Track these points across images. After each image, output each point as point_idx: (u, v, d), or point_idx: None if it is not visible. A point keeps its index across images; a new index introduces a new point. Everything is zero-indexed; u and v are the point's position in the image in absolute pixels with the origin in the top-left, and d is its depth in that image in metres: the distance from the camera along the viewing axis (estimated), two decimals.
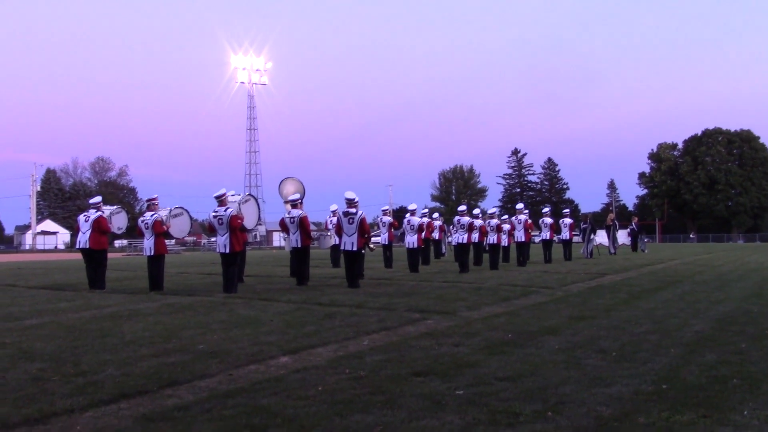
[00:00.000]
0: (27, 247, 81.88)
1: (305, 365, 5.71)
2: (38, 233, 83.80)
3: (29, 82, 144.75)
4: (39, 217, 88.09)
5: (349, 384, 4.99)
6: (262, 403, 4.50)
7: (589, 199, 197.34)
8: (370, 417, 4.14)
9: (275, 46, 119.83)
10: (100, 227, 13.62)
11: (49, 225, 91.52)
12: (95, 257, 13.76)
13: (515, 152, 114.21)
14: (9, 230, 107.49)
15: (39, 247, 79.55)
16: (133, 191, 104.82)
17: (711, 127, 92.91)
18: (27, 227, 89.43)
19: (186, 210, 14.55)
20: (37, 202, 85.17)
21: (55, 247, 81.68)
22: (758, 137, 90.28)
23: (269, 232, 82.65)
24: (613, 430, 3.84)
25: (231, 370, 5.56)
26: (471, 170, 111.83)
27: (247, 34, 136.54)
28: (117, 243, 69.41)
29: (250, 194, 14.80)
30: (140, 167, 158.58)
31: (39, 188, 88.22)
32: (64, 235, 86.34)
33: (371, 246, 14.47)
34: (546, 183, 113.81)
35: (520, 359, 5.80)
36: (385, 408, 4.33)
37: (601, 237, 33.28)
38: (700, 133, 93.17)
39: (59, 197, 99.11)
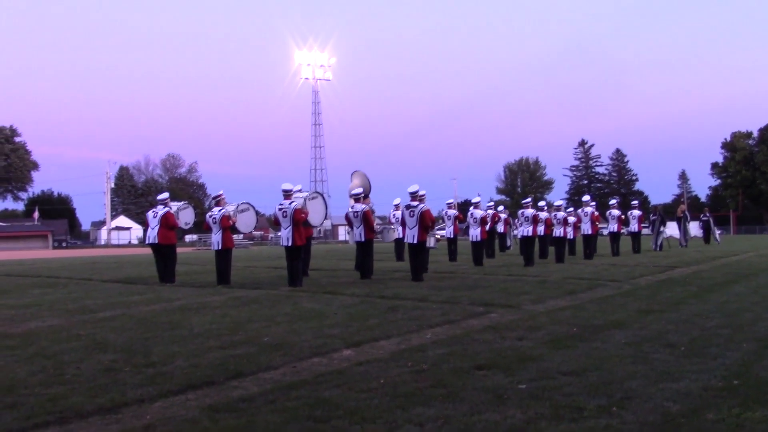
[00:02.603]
0: (102, 243, 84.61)
1: (368, 358, 5.75)
2: (113, 229, 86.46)
3: (103, 84, 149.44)
4: (113, 213, 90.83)
5: (411, 377, 5.00)
6: (324, 395, 4.55)
7: (660, 190, 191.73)
8: (431, 410, 4.14)
9: (338, 42, 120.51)
10: (167, 223, 13.96)
11: (122, 221, 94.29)
12: (164, 252, 14.14)
13: (582, 143, 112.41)
14: (85, 226, 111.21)
15: (113, 242, 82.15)
16: (202, 187, 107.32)
17: None
18: (102, 223, 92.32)
19: (252, 205, 14.78)
20: (111, 198, 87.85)
21: (129, 242, 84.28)
22: None
23: (335, 227, 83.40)
24: (680, 426, 3.74)
25: (295, 362, 5.64)
26: (537, 162, 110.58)
27: (311, 30, 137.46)
28: (187, 238, 71.16)
29: (318, 192, 14.86)
30: (209, 163, 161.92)
31: (113, 185, 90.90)
32: (137, 231, 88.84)
33: (436, 236, 14.46)
34: (614, 174, 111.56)
35: (585, 353, 5.71)
36: (446, 401, 4.33)
37: (671, 229, 32.40)
38: None
39: (132, 194, 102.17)
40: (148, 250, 15.99)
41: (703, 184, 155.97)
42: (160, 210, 14.06)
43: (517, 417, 3.97)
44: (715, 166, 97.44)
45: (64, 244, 78.84)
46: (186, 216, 15.55)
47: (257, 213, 15.27)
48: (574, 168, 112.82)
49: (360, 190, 14.38)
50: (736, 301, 9.04)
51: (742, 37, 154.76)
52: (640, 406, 4.13)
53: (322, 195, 14.75)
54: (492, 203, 26.20)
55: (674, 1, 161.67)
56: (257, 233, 75.10)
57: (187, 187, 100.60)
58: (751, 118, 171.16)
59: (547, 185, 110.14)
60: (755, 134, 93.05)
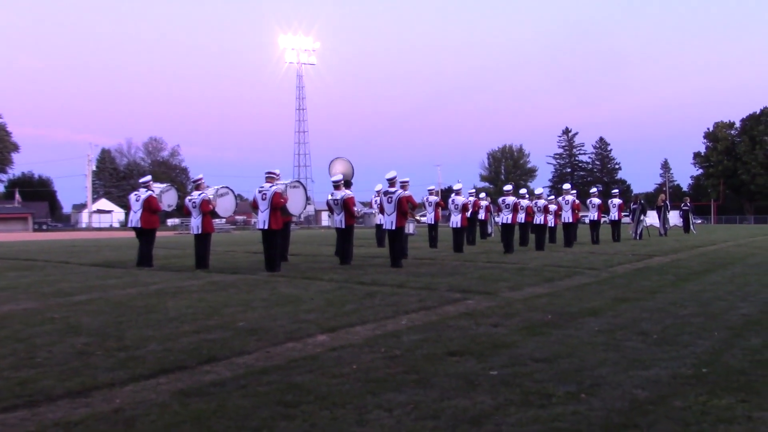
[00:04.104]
0: (83, 226, 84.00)
1: (342, 344, 5.74)
2: (94, 212, 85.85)
3: (84, 66, 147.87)
4: (95, 196, 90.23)
5: (383, 363, 5.01)
6: (296, 380, 4.55)
7: (643, 179, 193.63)
8: (402, 396, 4.15)
9: (323, 26, 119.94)
10: (150, 206, 13.86)
11: (104, 204, 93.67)
12: (145, 235, 14.04)
13: (566, 132, 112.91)
14: (67, 209, 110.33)
15: (95, 225, 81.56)
16: (184, 170, 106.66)
17: None
18: (83, 206, 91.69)
19: (231, 190, 14.71)
20: (92, 181, 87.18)
21: (110, 225, 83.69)
22: None
23: (318, 212, 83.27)
24: (647, 414, 3.77)
25: (269, 347, 5.63)
26: (520, 150, 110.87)
27: (296, 14, 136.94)
28: (169, 222, 70.77)
29: (300, 182, 14.73)
30: (192, 147, 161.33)
31: (95, 168, 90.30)
32: (118, 214, 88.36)
33: (417, 218, 14.54)
34: (597, 163, 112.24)
35: (558, 340, 5.75)
36: (417, 387, 4.34)
37: (651, 218, 32.62)
38: (758, 111, 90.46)
39: (114, 176, 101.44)
40: (129, 234, 15.92)
41: (685, 174, 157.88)
42: (143, 193, 13.95)
43: (486, 403, 3.99)
44: (697, 155, 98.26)
45: (44, 227, 78.19)
46: (169, 198, 15.44)
47: (238, 197, 15.15)
48: (557, 156, 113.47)
49: (339, 177, 14.31)
50: (711, 290, 9.11)
51: (726, 29, 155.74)
52: (609, 393, 4.17)
53: (303, 185, 14.67)
54: (473, 190, 26.24)
55: None
56: (240, 218, 74.77)
57: (169, 171, 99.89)
58: (733, 109, 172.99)
59: (531, 173, 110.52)
60: (737, 124, 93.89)
